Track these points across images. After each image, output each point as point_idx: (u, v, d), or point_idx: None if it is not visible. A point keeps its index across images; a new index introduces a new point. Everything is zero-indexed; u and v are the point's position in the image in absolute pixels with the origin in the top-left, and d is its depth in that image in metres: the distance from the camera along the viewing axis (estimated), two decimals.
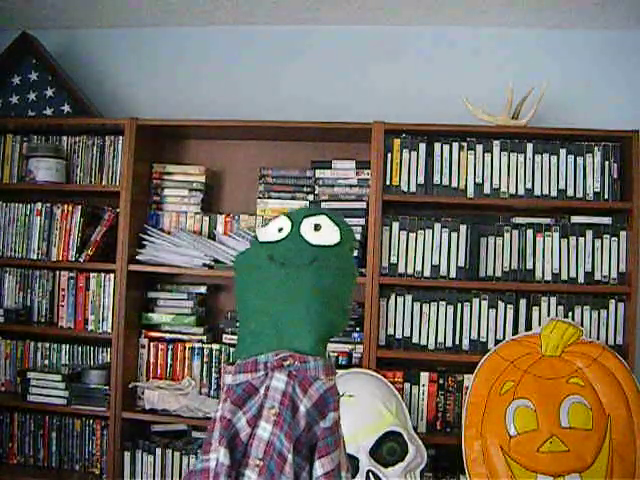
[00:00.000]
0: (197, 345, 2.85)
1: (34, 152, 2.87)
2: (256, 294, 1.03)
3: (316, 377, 0.96)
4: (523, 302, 2.66)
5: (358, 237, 2.69)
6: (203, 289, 2.93)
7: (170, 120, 2.86)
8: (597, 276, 2.63)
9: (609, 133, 2.63)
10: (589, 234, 2.64)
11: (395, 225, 2.69)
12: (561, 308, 2.63)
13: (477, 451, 2.38)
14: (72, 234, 2.86)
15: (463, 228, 2.67)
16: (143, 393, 2.77)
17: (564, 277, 2.63)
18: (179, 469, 2.75)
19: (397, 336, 2.68)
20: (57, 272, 2.91)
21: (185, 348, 2.85)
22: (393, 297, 2.69)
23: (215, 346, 2.84)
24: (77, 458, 2.86)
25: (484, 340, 2.65)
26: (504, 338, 2.62)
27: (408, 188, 2.70)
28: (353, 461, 2.24)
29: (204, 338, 2.86)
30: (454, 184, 2.69)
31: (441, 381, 2.67)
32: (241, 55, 3.12)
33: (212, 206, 3.02)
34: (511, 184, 2.67)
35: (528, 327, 2.63)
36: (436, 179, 2.69)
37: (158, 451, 2.75)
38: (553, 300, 2.64)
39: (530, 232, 2.66)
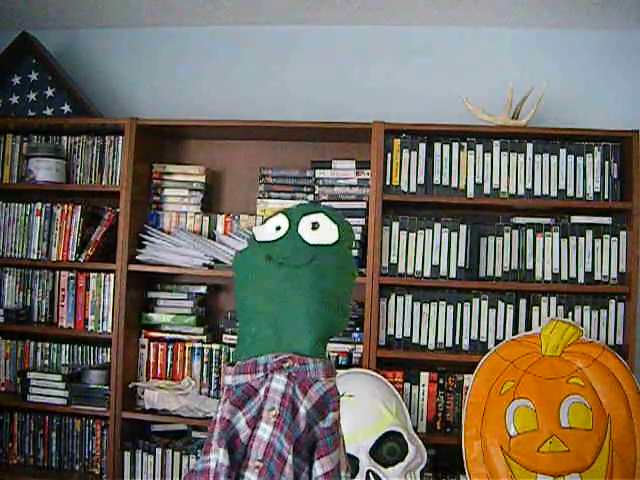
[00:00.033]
0: (197, 345, 2.85)
1: (34, 152, 2.87)
2: (255, 294, 1.03)
3: (316, 379, 0.96)
4: (523, 302, 2.66)
5: (358, 237, 2.69)
6: (203, 289, 2.93)
7: (170, 120, 2.86)
8: (597, 276, 2.63)
9: (609, 133, 2.63)
10: (589, 234, 2.64)
11: (395, 225, 2.69)
12: (561, 308, 2.63)
13: (477, 451, 2.38)
14: (72, 234, 2.86)
15: (463, 228, 2.67)
16: (143, 393, 2.77)
17: (564, 277, 2.63)
18: (179, 469, 2.75)
19: (397, 336, 2.68)
20: (57, 272, 2.91)
21: (185, 348, 2.85)
22: (393, 297, 2.68)
23: (215, 346, 2.84)
24: (77, 458, 2.86)
25: (484, 340, 2.65)
26: (504, 338, 2.62)
27: (408, 188, 2.70)
28: (353, 461, 2.24)
29: (204, 338, 2.86)
30: (454, 184, 2.69)
31: (441, 381, 2.67)
32: (241, 55, 3.12)
33: (212, 206, 3.02)
34: (511, 184, 2.67)
35: (528, 327, 2.63)
36: (436, 179, 2.69)
37: (158, 451, 2.75)
38: (553, 300, 2.64)
39: (530, 232, 2.66)
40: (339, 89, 3.03)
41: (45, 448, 2.87)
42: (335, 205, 2.75)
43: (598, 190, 2.65)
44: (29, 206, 2.91)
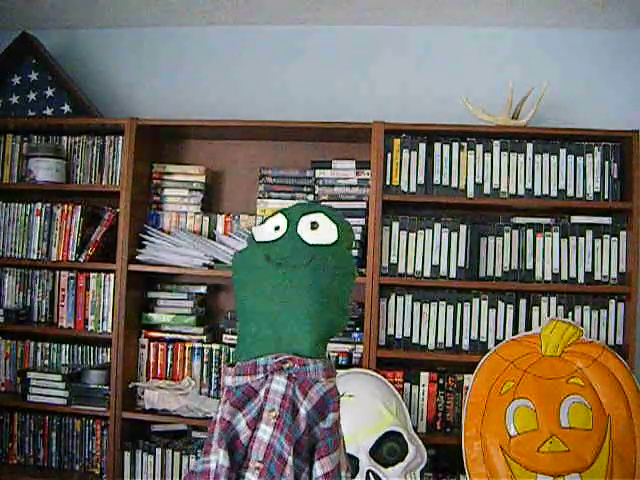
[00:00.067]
0: (197, 345, 2.85)
1: (34, 152, 2.87)
2: (254, 295, 1.03)
3: (316, 379, 0.96)
4: (523, 302, 2.66)
5: (358, 237, 2.69)
6: (203, 289, 2.93)
7: (170, 120, 2.86)
8: (597, 276, 2.63)
9: (609, 133, 2.63)
10: (589, 234, 2.64)
11: (395, 225, 2.69)
12: (561, 308, 2.63)
13: (477, 451, 2.38)
14: (72, 234, 2.86)
15: (463, 228, 2.67)
16: (143, 393, 2.77)
17: (564, 277, 2.63)
18: (179, 469, 2.75)
19: (397, 336, 2.68)
20: (57, 272, 2.91)
21: (185, 348, 2.85)
22: (393, 297, 2.68)
23: (215, 346, 2.84)
24: (77, 458, 2.86)
25: (484, 340, 2.65)
26: (504, 338, 2.62)
27: (408, 188, 2.70)
28: (353, 461, 2.24)
29: (204, 338, 2.86)
30: (454, 184, 2.69)
31: (441, 381, 2.67)
32: (241, 55, 3.12)
33: (212, 206, 3.02)
34: (511, 184, 2.67)
35: (528, 327, 2.63)
36: (436, 179, 2.69)
37: (158, 451, 2.75)
38: (553, 300, 2.64)
39: (530, 232, 2.66)
40: (339, 89, 3.03)
41: (45, 448, 2.87)
42: (335, 205, 2.75)
43: (598, 190, 2.65)
44: (29, 206, 2.91)
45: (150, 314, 2.88)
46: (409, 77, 3.00)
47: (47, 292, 2.92)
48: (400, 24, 3.01)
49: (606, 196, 2.65)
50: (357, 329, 2.71)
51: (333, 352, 2.69)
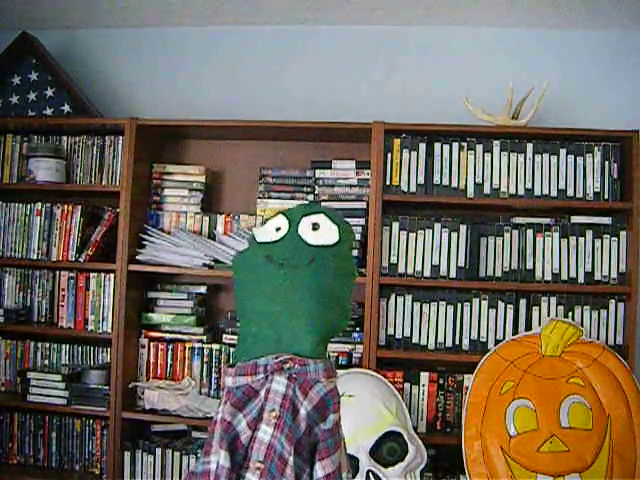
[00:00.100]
0: (197, 345, 2.85)
1: (34, 152, 2.87)
2: (255, 295, 1.03)
3: (316, 380, 0.96)
4: (523, 302, 2.66)
5: (358, 237, 2.69)
6: (203, 289, 2.93)
7: (170, 120, 2.86)
8: (597, 276, 2.63)
9: (609, 133, 2.63)
10: (589, 234, 2.64)
11: (395, 225, 2.69)
12: (561, 308, 2.63)
13: (477, 451, 2.38)
14: (72, 234, 2.86)
15: (463, 228, 2.67)
16: (143, 393, 2.77)
17: (564, 277, 2.63)
18: (179, 469, 2.75)
19: (397, 336, 2.68)
20: (57, 272, 2.91)
21: (185, 348, 2.85)
22: (393, 297, 2.69)
23: (215, 346, 2.84)
24: (77, 458, 2.86)
25: (484, 340, 2.65)
26: (504, 338, 2.62)
27: (408, 188, 2.70)
28: (353, 461, 2.24)
29: (204, 338, 2.86)
30: (454, 184, 2.69)
31: (441, 381, 2.67)
32: (241, 55, 3.12)
33: (212, 206, 3.02)
34: (511, 184, 2.67)
35: (528, 327, 2.63)
36: (436, 179, 2.69)
37: (158, 451, 2.75)
38: (553, 300, 2.64)
39: (530, 232, 2.66)
40: (339, 89, 3.03)
41: (45, 448, 2.87)
42: (335, 205, 2.75)
43: (598, 190, 2.65)
44: (29, 206, 2.91)
45: (150, 314, 2.88)
46: (409, 77, 3.00)
47: (47, 292, 2.92)
48: (400, 24, 3.01)
49: (606, 196, 2.65)
50: (357, 329, 2.71)
51: (333, 352, 2.69)
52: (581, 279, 2.63)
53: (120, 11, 3.01)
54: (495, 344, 2.60)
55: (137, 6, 2.95)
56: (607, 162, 2.65)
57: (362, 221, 2.73)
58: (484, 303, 2.66)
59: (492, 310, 2.66)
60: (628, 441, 2.30)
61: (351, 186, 2.82)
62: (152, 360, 2.87)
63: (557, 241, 2.64)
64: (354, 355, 2.71)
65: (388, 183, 2.69)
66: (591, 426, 2.30)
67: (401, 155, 2.70)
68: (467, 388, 2.57)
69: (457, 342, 2.66)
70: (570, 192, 2.65)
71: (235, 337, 2.77)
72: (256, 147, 3.00)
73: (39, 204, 2.90)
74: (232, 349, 2.81)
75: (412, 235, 2.69)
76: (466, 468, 2.38)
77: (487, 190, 2.68)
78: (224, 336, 2.85)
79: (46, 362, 2.94)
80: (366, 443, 2.29)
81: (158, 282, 2.95)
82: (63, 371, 2.84)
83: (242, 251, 1.11)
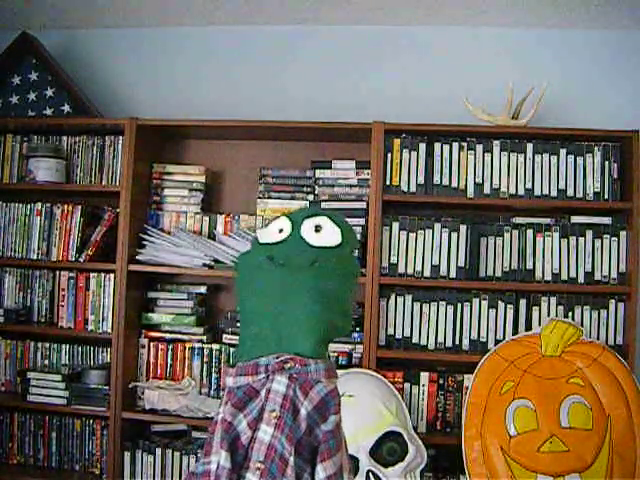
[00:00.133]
0: (197, 345, 2.85)
1: (34, 152, 2.87)
2: (256, 296, 1.03)
3: (317, 380, 0.96)
4: (523, 302, 2.66)
5: (358, 237, 2.69)
6: (203, 289, 2.93)
7: (170, 120, 2.86)
8: (597, 276, 2.63)
9: (609, 133, 2.63)
10: (589, 234, 2.64)
11: (395, 225, 2.69)
12: (561, 308, 2.63)
13: (477, 451, 2.38)
14: (72, 234, 2.86)
15: (463, 228, 2.67)
16: (143, 393, 2.77)
17: (564, 277, 2.64)
18: (179, 469, 2.75)
19: (397, 336, 2.68)
20: (57, 272, 2.91)
21: (185, 348, 2.85)
22: (393, 297, 2.69)
23: (215, 346, 2.84)
24: (77, 458, 2.86)
25: (484, 340, 2.65)
26: (504, 338, 2.63)
27: (408, 188, 2.70)
28: (353, 461, 2.24)
29: (204, 338, 2.86)
30: (454, 184, 2.69)
31: (441, 381, 2.67)
32: (241, 55, 3.12)
33: (212, 206, 3.02)
34: (511, 184, 2.67)
35: (528, 327, 2.63)
36: (436, 179, 2.69)
37: (158, 451, 2.75)
38: (553, 300, 2.64)
39: (530, 232, 2.66)
40: (339, 89, 3.03)
41: (45, 448, 2.87)
42: (335, 205, 2.76)
43: (598, 190, 2.65)
44: (29, 206, 2.91)
45: (150, 314, 2.88)
46: (409, 77, 3.00)
47: (47, 292, 2.92)
48: (400, 24, 3.01)
49: (606, 196, 2.65)
50: (357, 329, 2.71)
51: (333, 352, 2.69)
52: (581, 279, 2.63)
53: (120, 11, 3.01)
54: (495, 344, 2.60)
55: (137, 6, 2.95)
56: (607, 162, 2.65)
57: (362, 221, 2.73)
58: (484, 303, 2.66)
59: (492, 310, 2.66)
60: (628, 441, 2.30)
61: (351, 186, 2.82)
62: (152, 360, 2.86)
63: (557, 241, 2.65)
64: (354, 355, 2.71)
65: (388, 183, 2.69)
66: (591, 426, 2.30)
67: (401, 155, 2.70)
68: (467, 388, 2.57)
69: (457, 342, 2.66)
70: (570, 192, 2.66)
71: (235, 337, 2.78)
72: (256, 147, 3.00)
73: (39, 204, 2.90)
74: (232, 349, 2.81)
75: (412, 235, 2.69)
76: (466, 468, 2.39)
77: (487, 190, 2.68)
78: (224, 336, 2.85)
79: (46, 362, 2.94)
80: (366, 443, 2.29)
81: (158, 282, 2.95)
82: (63, 371, 2.84)
83: (245, 252, 1.11)
